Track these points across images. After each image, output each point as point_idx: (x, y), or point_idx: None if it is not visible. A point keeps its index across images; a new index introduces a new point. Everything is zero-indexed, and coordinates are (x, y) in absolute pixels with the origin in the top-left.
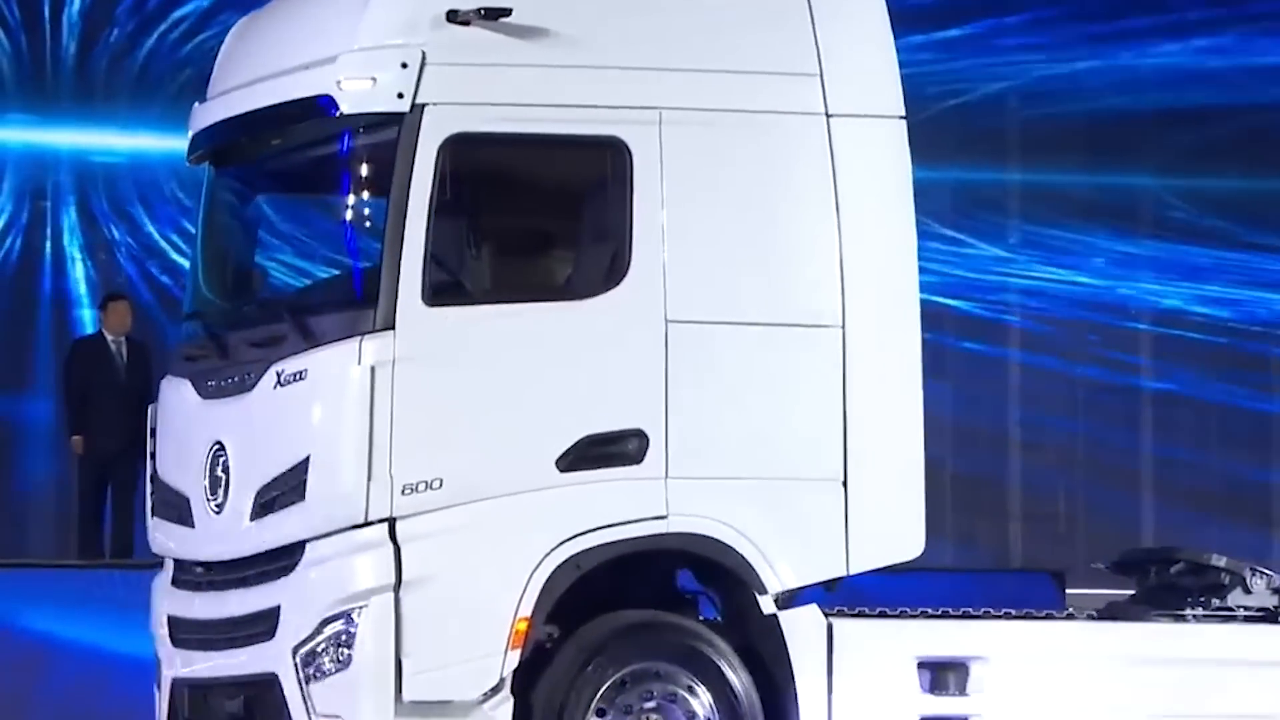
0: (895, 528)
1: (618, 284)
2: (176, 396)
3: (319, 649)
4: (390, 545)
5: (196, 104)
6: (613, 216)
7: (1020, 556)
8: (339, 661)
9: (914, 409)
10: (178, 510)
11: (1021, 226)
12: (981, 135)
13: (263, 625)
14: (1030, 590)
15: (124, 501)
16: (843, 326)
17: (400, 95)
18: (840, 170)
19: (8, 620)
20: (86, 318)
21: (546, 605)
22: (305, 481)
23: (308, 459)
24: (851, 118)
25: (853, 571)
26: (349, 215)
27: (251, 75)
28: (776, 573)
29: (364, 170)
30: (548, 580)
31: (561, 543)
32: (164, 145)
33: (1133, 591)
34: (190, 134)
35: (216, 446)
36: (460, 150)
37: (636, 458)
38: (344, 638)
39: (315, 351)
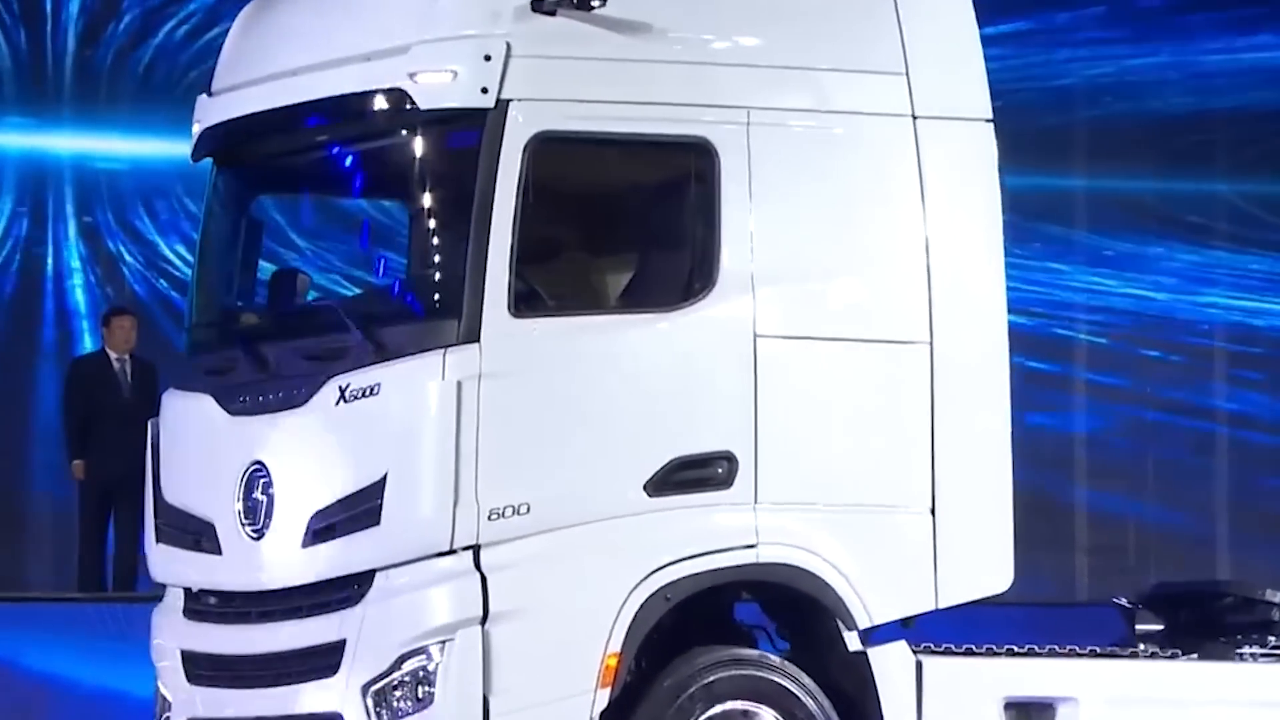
0: (984, 559)
1: (705, 295)
2: (193, 413)
3: (394, 686)
4: (477, 575)
5: (204, 96)
6: (699, 222)
7: (1086, 590)
8: (418, 700)
9: (1002, 431)
10: (195, 536)
11: (1085, 236)
12: (1041, 138)
13: (322, 660)
14: (1097, 624)
15: (128, 530)
16: (930, 343)
17: (484, 90)
18: (927, 175)
19: (4, 658)
20: (87, 334)
21: (636, 640)
22: (380, 505)
23: (383, 481)
24: (938, 120)
25: (941, 605)
26: (421, 219)
27: (286, 65)
28: (866, 606)
29: (440, 171)
30: (638, 613)
31: (651, 573)
32: (171, 150)
33: (1159, 628)
34: (200, 128)
35: (254, 467)
36: (545, 150)
37: (725, 482)
38: (424, 674)
39: (389, 365)
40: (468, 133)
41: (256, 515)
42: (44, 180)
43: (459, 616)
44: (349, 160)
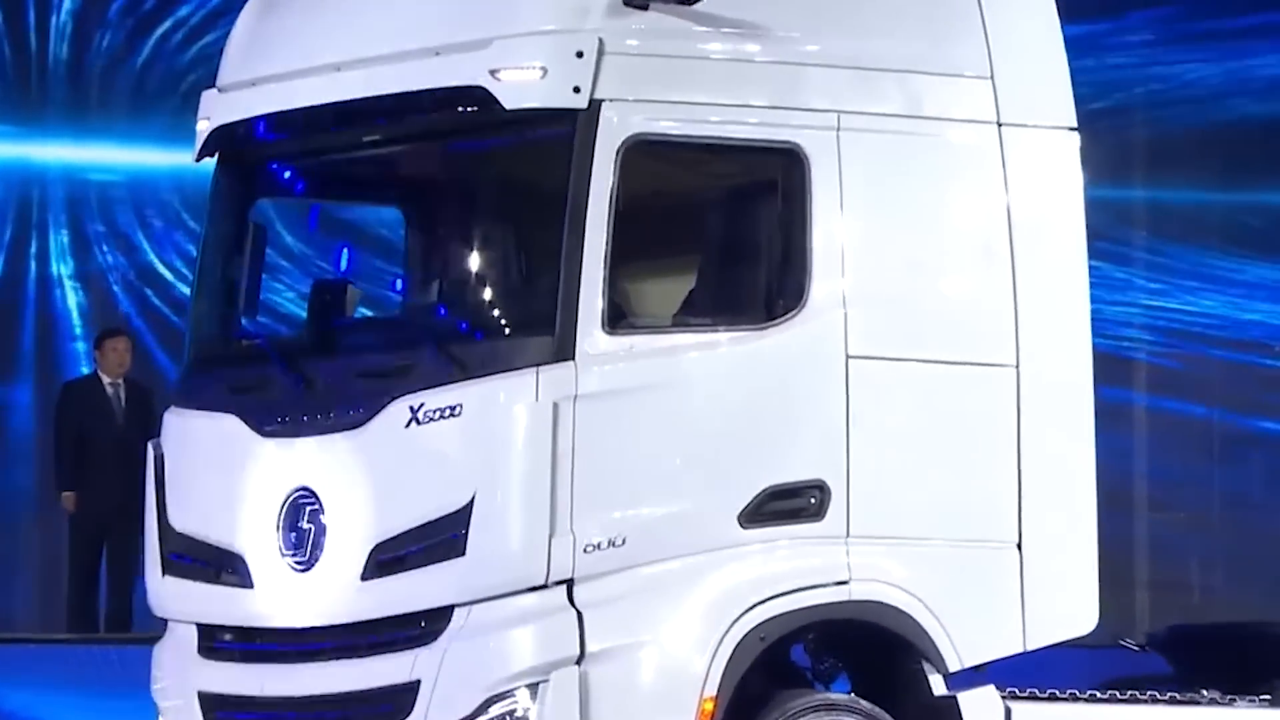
0: (1070, 598)
1: (797, 312)
2: (211, 434)
3: None
4: (572, 612)
5: (212, 91)
6: (790, 234)
7: (1148, 631)
8: None
9: (1088, 459)
10: (215, 568)
11: (1146, 251)
12: (1101, 146)
13: (391, 703)
14: (1155, 666)
15: (122, 566)
16: (1016, 365)
17: (576, 89)
18: (1013, 186)
19: None
20: (80, 355)
21: (732, 682)
22: (465, 536)
23: (468, 510)
24: (1024, 128)
25: (1029, 648)
26: (504, 227)
27: (327, 58)
28: (956, 648)
29: (526, 175)
30: (733, 654)
31: (745, 611)
32: (166, 160)
33: (1169, 671)
34: (210, 125)
35: (299, 494)
36: (636, 155)
37: (817, 514)
38: (514, 719)
39: (472, 384)
40: (557, 135)
41: (303, 546)
42: (30, 191)
43: (554, 657)
44: (414, 163)
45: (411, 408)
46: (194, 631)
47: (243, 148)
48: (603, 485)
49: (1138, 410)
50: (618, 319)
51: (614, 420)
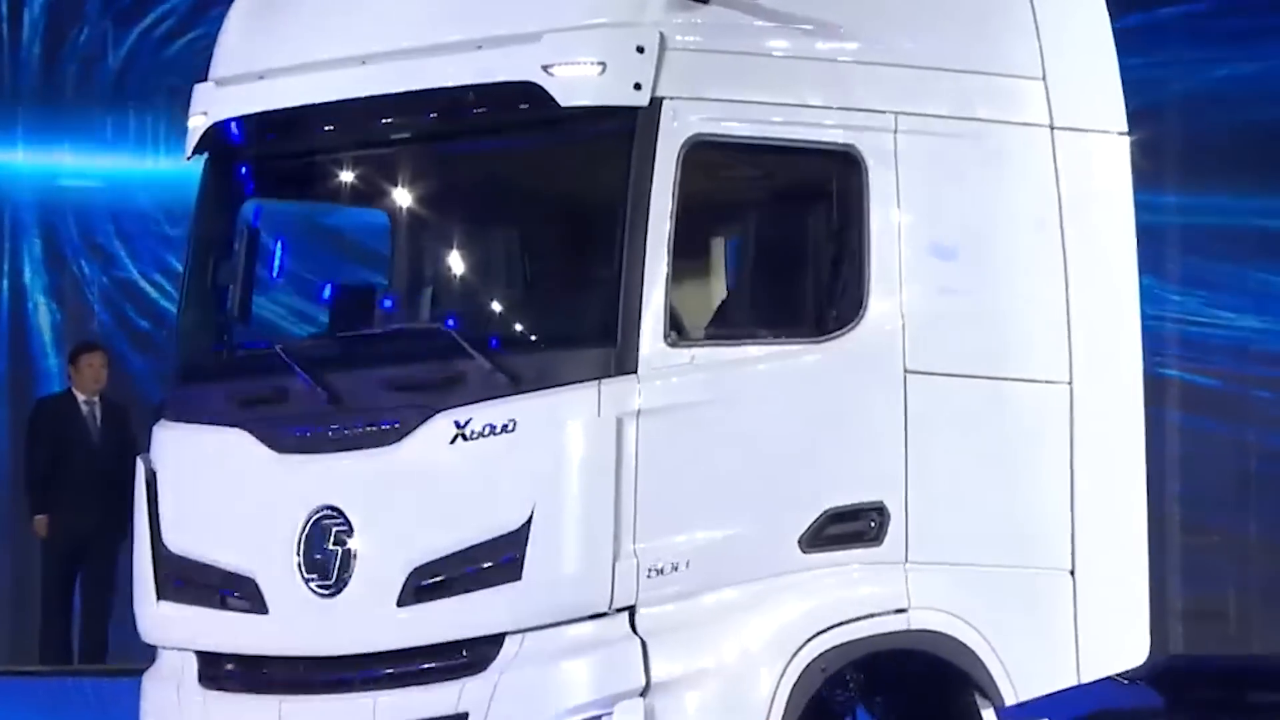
0: (1121, 627)
1: (856, 323)
2: (215, 451)
3: None
4: (636, 640)
5: (209, 84)
6: (847, 242)
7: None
8: None
9: (1138, 482)
10: (220, 592)
11: (1179, 260)
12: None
13: None
14: (1145, 700)
15: (97, 594)
16: (1070, 383)
17: (637, 86)
18: (1065, 194)
19: None
20: (54, 372)
21: (794, 715)
22: (521, 559)
23: (524, 531)
24: (1076, 132)
25: (1083, 680)
26: (557, 232)
27: (349, 51)
28: (1012, 681)
29: (583, 177)
30: (796, 685)
31: (807, 641)
32: (146, 167)
33: (1159, 705)
34: (207, 120)
35: (324, 514)
36: (697, 156)
37: (876, 537)
38: None
39: (527, 398)
40: (616, 134)
41: (328, 569)
42: (1, 199)
43: (619, 688)
44: (453, 162)
45: (457, 422)
46: (192, 660)
47: (246, 145)
48: (665, 506)
49: (1169, 428)
50: (678, 330)
51: (675, 437)
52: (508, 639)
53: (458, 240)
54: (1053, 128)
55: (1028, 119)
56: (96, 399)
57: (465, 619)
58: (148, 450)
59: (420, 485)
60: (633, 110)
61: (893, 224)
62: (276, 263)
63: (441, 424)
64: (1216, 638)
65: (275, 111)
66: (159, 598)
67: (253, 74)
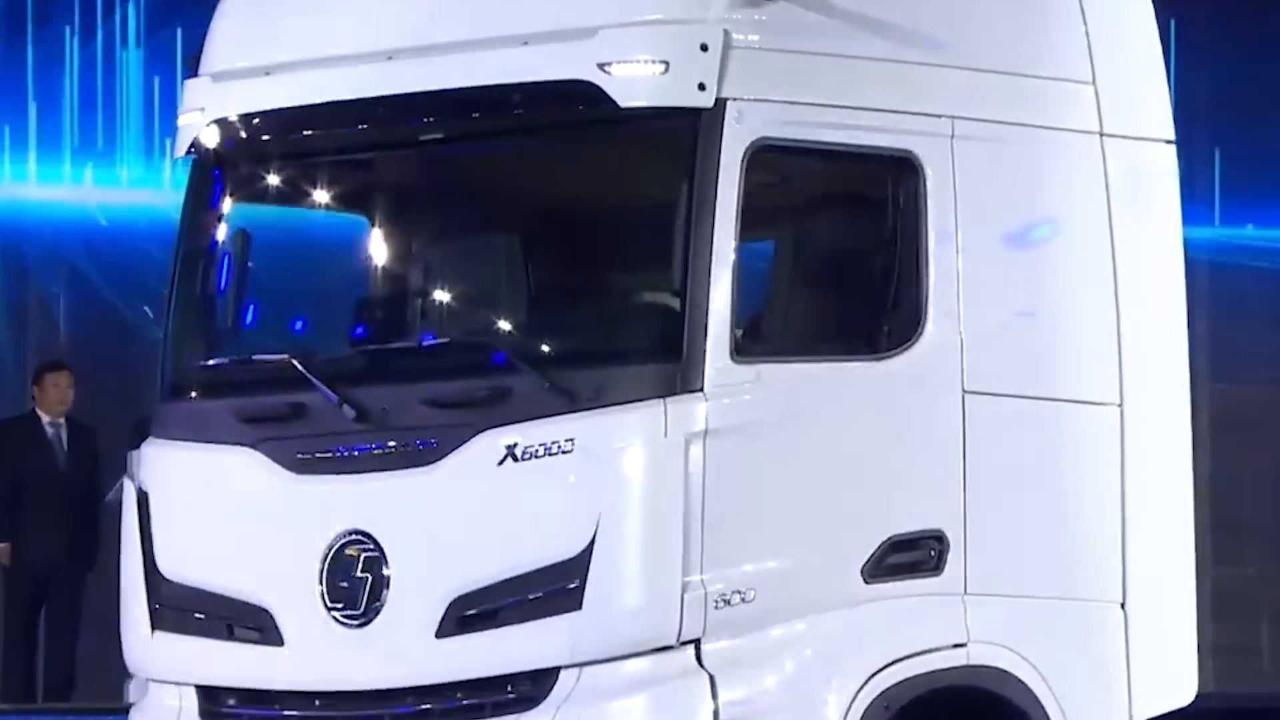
0: (1172, 664)
1: (916, 339)
2: (219, 471)
3: None
4: (704, 675)
5: (205, 79)
6: (906, 254)
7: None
8: None
9: (1186, 510)
10: (230, 623)
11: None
12: None
13: None
14: None
15: (63, 627)
16: (1120, 404)
17: (701, 86)
18: (1115, 205)
19: None
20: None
21: None
22: (581, 588)
23: (585, 558)
24: (1125, 139)
25: (1136, 719)
26: (613, 239)
27: (372, 45)
28: (1066, 719)
29: (641, 182)
30: None
31: (870, 677)
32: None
33: None
34: (205, 118)
35: (352, 539)
36: (759, 161)
37: (936, 567)
38: None
39: (587, 416)
40: (677, 137)
41: (356, 598)
42: None
43: None
44: (494, 166)
45: (508, 444)
46: (191, 695)
47: (250, 144)
48: (731, 533)
49: (1201, 441)
50: (745, 345)
51: (741, 459)
52: (563, 673)
53: (499, 248)
54: (1102, 134)
55: (1078, 125)
56: (62, 420)
57: (516, 651)
58: (125, 472)
59: (463, 508)
60: (695, 112)
61: (950, 235)
62: (271, 270)
63: (487, 443)
64: (1249, 672)
65: (285, 110)
66: (154, 628)
67: (258, 68)
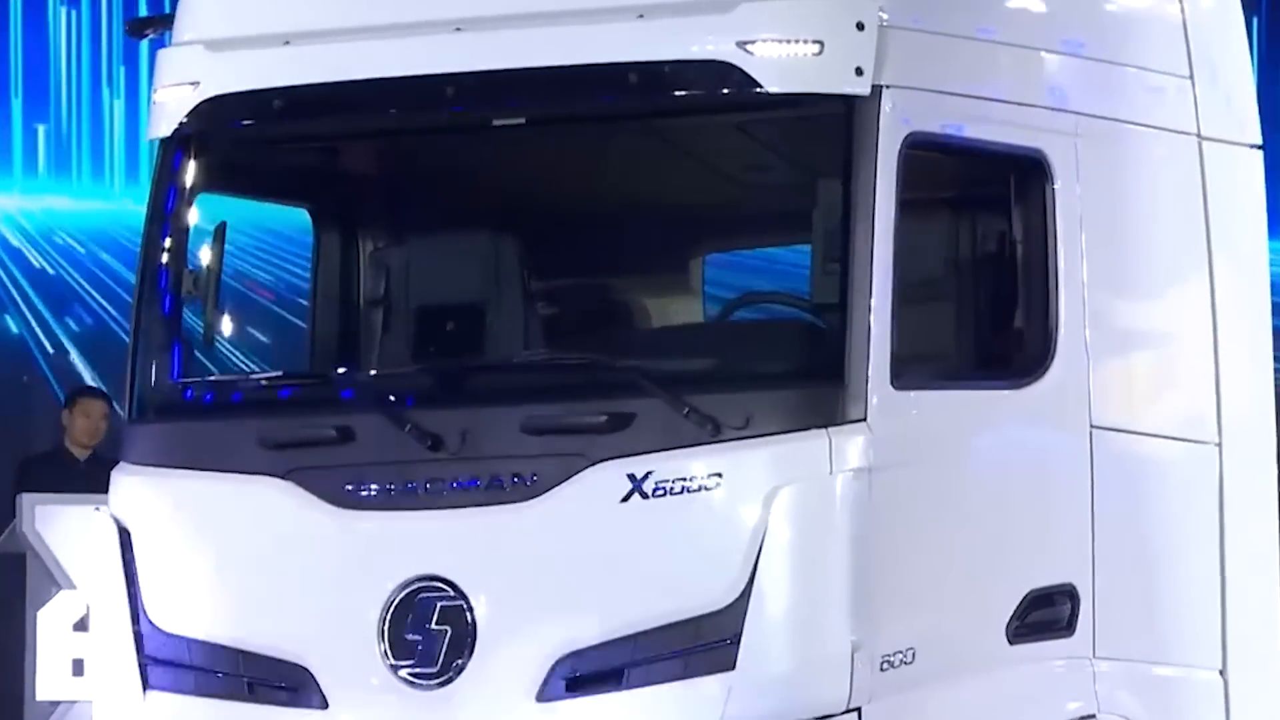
0: None
1: (1048, 366)
2: (231, 504)
3: None
4: None
5: (199, 47)
6: (1036, 265)
7: None
8: None
9: (1274, 562)
10: (250, 682)
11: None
12: None
13: None
14: None
15: None
16: (1219, 443)
17: (859, 71)
18: (1213, 214)
19: None
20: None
21: None
22: (734, 646)
23: (738, 611)
24: (1221, 143)
25: None
26: (748, 242)
27: (441, 12)
28: None
29: (789, 178)
30: None
31: None
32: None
33: None
34: (219, 90)
35: (424, 585)
36: (912, 158)
37: (1069, 626)
38: None
39: (735, 448)
40: (828, 128)
41: (432, 654)
42: None
43: None
44: (603, 158)
45: (632, 475)
46: None
47: (263, 127)
48: (893, 585)
49: None
50: (902, 371)
51: (902, 499)
52: None
53: (616, 253)
54: (1200, 137)
55: (1178, 125)
56: (89, 455)
57: (642, 719)
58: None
59: (571, 550)
60: (849, 100)
61: (1077, 246)
62: (287, 274)
63: (605, 476)
64: None
65: (311, 87)
66: (144, 689)
67: (274, 36)
